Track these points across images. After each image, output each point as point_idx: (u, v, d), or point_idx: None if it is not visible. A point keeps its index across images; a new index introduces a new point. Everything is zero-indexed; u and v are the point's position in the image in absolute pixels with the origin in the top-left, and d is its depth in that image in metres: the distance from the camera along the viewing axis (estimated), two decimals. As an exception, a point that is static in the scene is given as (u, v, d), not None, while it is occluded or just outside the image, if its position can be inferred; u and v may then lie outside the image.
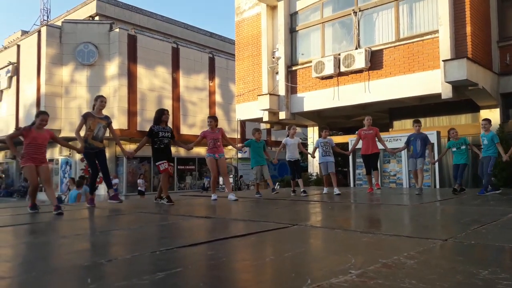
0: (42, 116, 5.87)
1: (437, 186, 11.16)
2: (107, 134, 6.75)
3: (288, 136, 8.79)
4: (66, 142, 6.73)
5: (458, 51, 10.26)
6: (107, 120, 6.61)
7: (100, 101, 6.51)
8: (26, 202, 7.52)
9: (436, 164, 11.16)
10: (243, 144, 9.03)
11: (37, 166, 5.73)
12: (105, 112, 6.80)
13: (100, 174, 6.69)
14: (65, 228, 4.75)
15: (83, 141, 6.34)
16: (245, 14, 15.75)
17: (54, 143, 6.28)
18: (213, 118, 7.63)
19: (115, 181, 21.45)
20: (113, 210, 6.14)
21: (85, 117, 6.39)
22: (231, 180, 20.02)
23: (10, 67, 24.92)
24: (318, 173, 14.99)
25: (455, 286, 2.01)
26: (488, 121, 8.01)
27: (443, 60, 10.09)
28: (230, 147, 8.46)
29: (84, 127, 6.39)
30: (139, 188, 20.00)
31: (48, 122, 5.94)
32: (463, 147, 8.22)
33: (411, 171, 8.38)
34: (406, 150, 8.48)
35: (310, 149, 15.29)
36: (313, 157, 9.65)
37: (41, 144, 5.81)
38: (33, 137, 5.69)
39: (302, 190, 8.29)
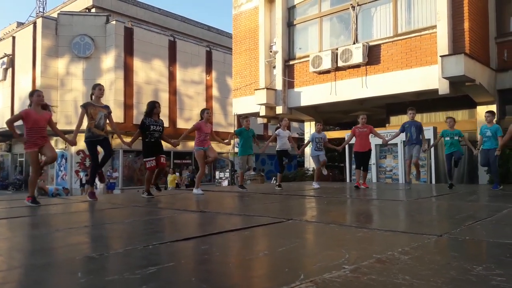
0: (37, 92, 5.77)
1: (433, 182, 11.18)
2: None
3: (280, 127, 8.78)
4: (59, 130, 6.50)
5: (456, 46, 10.23)
6: (108, 110, 6.47)
7: (98, 89, 6.37)
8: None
9: (432, 159, 11.18)
10: (232, 133, 9.10)
11: (42, 147, 5.66)
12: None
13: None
14: (60, 221, 4.71)
15: (86, 130, 6.22)
16: (242, 7, 15.65)
17: (49, 136, 6.09)
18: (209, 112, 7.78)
19: (115, 174, 21.36)
20: (108, 204, 6.10)
21: (85, 107, 6.23)
22: (227, 175, 20.04)
23: (5, 59, 24.70)
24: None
25: (449, 282, 2.00)
26: (491, 113, 8.03)
27: (440, 56, 10.07)
28: (226, 141, 8.48)
29: (85, 118, 6.23)
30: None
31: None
32: (457, 137, 8.22)
33: (407, 160, 8.32)
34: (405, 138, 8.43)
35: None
36: (299, 153, 9.75)
37: (43, 127, 5.72)
38: (34, 120, 5.56)
39: (277, 184, 8.57)
